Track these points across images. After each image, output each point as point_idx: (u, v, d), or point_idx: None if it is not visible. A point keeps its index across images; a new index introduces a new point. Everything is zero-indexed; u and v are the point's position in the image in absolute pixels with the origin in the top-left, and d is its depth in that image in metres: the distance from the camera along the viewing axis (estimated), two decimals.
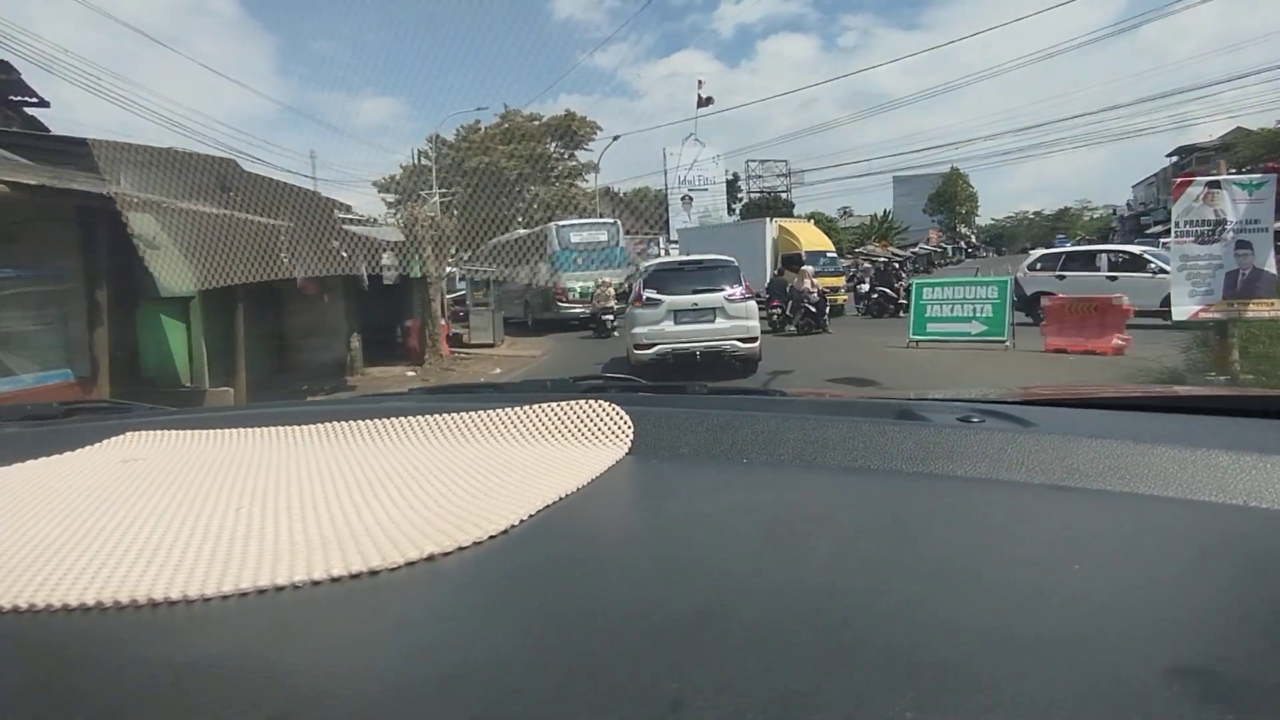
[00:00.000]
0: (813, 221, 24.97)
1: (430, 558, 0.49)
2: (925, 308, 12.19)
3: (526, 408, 0.90)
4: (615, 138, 37.92)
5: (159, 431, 0.98)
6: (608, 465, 0.73)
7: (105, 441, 0.94)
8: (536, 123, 36.43)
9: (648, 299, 9.44)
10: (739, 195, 47.83)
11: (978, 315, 11.59)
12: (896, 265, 24.39)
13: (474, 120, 36.90)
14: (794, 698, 0.32)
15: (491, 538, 0.53)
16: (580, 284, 18.28)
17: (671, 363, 9.23)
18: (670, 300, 9.31)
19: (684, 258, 11.85)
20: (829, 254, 22.98)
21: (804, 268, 16.93)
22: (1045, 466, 0.66)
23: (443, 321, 14.75)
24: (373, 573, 0.47)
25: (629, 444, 0.80)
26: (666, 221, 42.00)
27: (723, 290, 9.47)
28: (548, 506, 0.60)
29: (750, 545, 0.54)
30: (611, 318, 16.08)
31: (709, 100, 43.84)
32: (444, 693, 0.35)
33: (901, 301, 19.26)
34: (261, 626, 0.43)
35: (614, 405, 0.87)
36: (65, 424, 1.23)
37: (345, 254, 10.66)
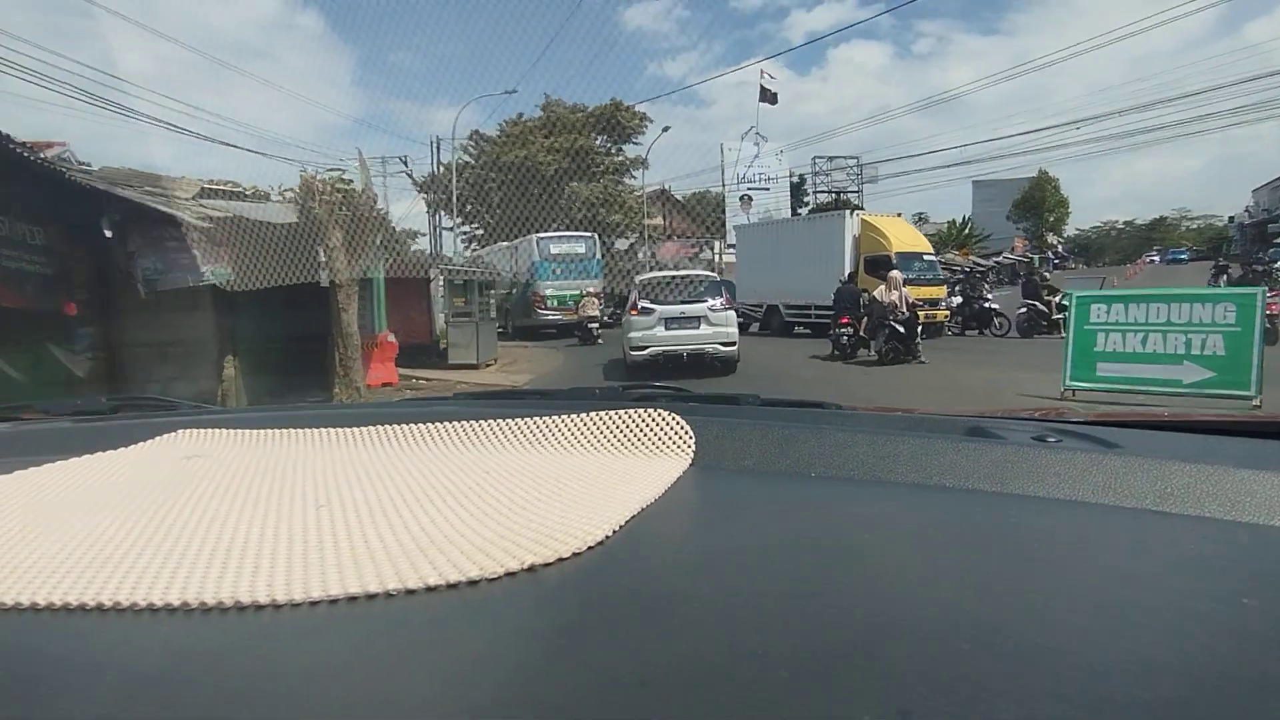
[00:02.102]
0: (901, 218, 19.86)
1: (531, 569, 0.47)
2: (1093, 336, 7.44)
3: (583, 415, 0.87)
4: (665, 129, 33.58)
5: (213, 430, 0.96)
6: (676, 476, 0.70)
7: (161, 438, 0.93)
8: (580, 114, 32.41)
9: (642, 308, 10.52)
10: (804, 199, 42.97)
11: (1197, 352, 6.79)
12: (980, 274, 19.62)
13: (517, 114, 33.31)
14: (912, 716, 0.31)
15: (590, 549, 0.50)
16: (557, 292, 18.97)
17: (662, 362, 10.25)
18: (661, 309, 10.40)
19: (673, 272, 12.41)
20: (926, 256, 17.84)
21: (892, 273, 12.24)
22: (1136, 490, 0.62)
23: (389, 337, 10.67)
24: (472, 583, 0.45)
25: (691, 455, 0.78)
26: (723, 224, 37.49)
27: (706, 301, 10.53)
28: (633, 518, 0.58)
29: (840, 569, 0.51)
30: (596, 326, 16.53)
31: (774, 96, 39.29)
32: (568, 710, 0.33)
33: (1056, 318, 15.11)
34: (354, 636, 0.40)
35: (673, 414, 0.84)
36: (115, 420, 1.21)
37: (198, 245, 6.66)
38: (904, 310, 11.59)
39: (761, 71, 38.92)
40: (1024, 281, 17.08)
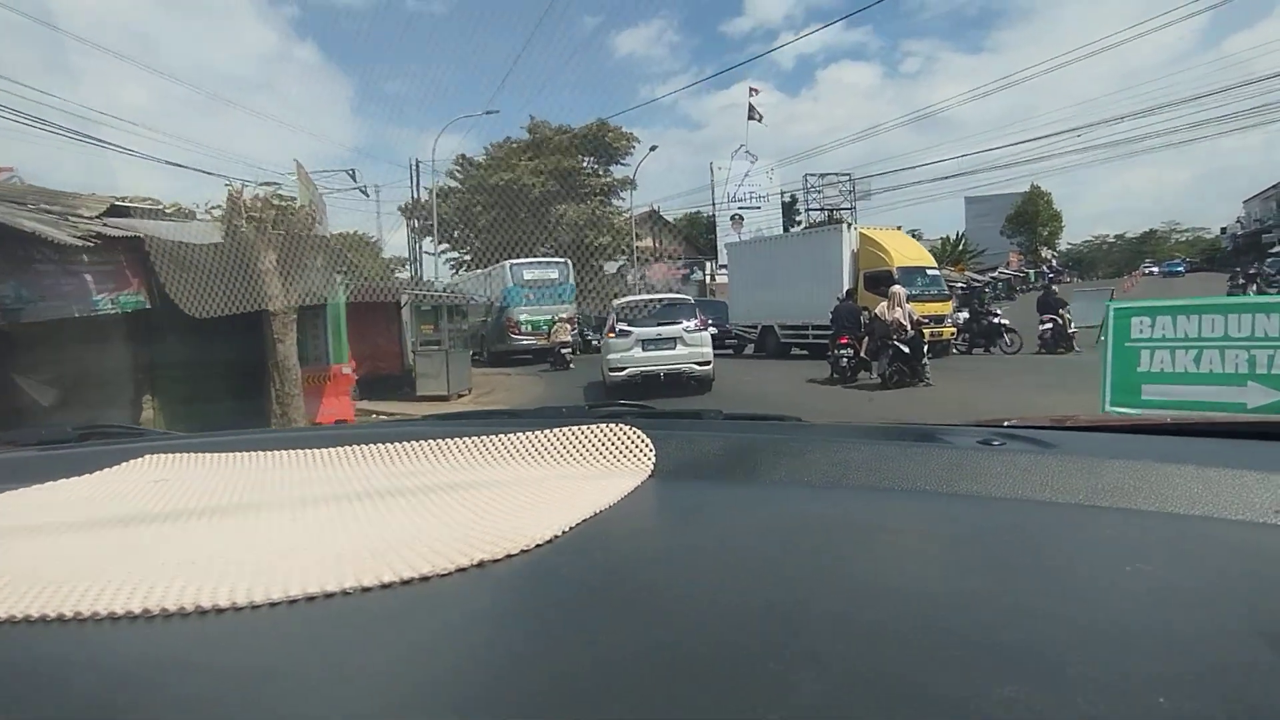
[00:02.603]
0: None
1: (481, 564, 0.49)
2: (1136, 355, 6.40)
3: (546, 432, 0.88)
4: (653, 148, 32.74)
5: (181, 454, 0.96)
6: (634, 486, 0.72)
7: (129, 463, 0.93)
8: (566, 135, 31.61)
9: (620, 330, 10.82)
10: (797, 218, 42.17)
11: (1264, 371, 5.75)
12: (986, 288, 18.68)
13: (504, 137, 32.51)
14: (888, 680, 0.33)
15: (538, 545, 0.52)
16: (530, 317, 19.12)
17: (640, 383, 10.48)
18: (639, 331, 10.73)
19: (649, 296, 13.33)
20: (930, 271, 16.77)
21: (894, 289, 11.19)
22: (1072, 486, 0.65)
23: (344, 369, 9.59)
24: (424, 579, 0.47)
25: (651, 466, 0.79)
26: (715, 245, 36.63)
27: (681, 323, 10.86)
28: (585, 520, 0.59)
29: (788, 563, 0.52)
30: (570, 351, 16.66)
31: (760, 115, 38.66)
32: (504, 694, 0.35)
33: (1071, 333, 14.75)
34: (314, 633, 0.42)
35: (634, 429, 0.86)
36: (81, 447, 1.20)
37: (91, 270, 5.59)
38: (908, 328, 10.56)
39: (750, 89, 38.35)
40: (1041, 296, 16.06)
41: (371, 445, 0.94)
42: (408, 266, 34.10)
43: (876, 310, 11.02)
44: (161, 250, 6.57)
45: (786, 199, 38.28)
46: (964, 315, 16.65)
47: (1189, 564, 0.51)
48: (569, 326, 17.51)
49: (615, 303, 12.43)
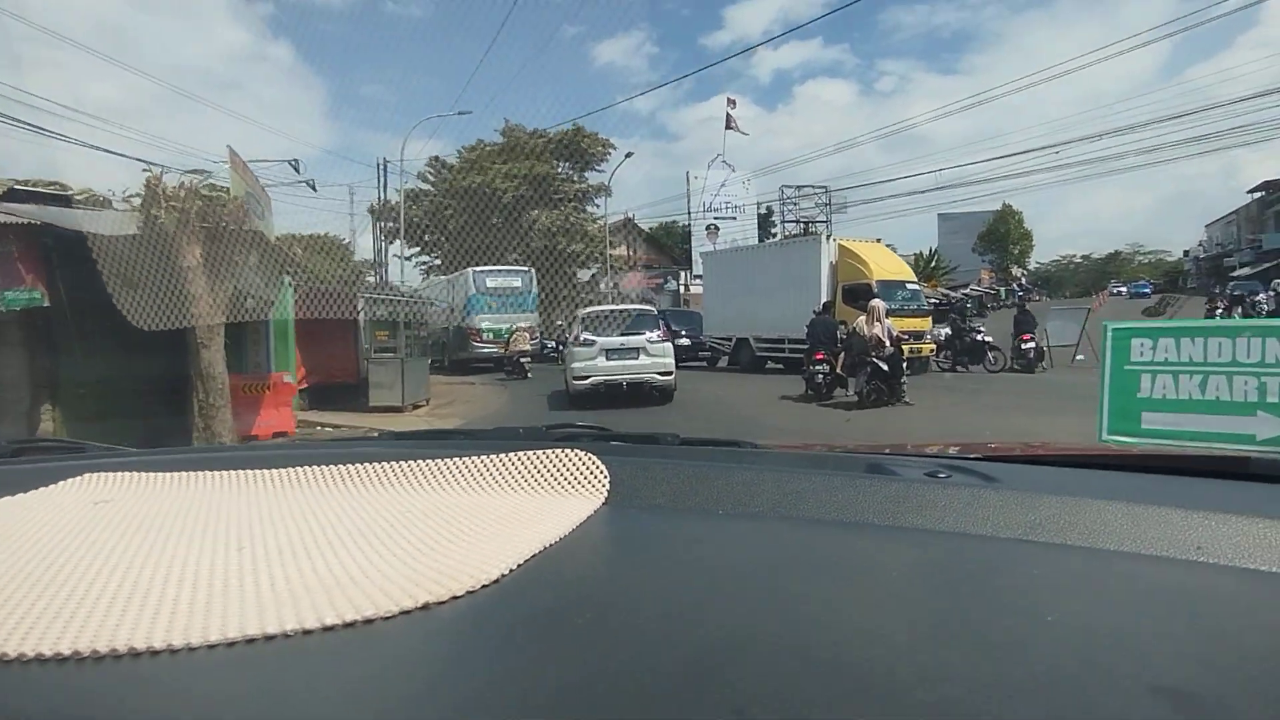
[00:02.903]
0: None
1: (425, 606, 0.48)
2: (1136, 379, 5.90)
3: (502, 455, 0.88)
4: (628, 154, 32.30)
5: (123, 474, 0.92)
6: (586, 515, 0.72)
7: (66, 482, 0.89)
8: (541, 139, 30.95)
9: (584, 340, 11.08)
10: (772, 230, 41.91)
11: (1275, 399, 5.27)
12: (967, 304, 18.34)
13: (478, 140, 31.74)
14: None
15: (484, 586, 0.52)
16: (492, 325, 19.07)
17: (604, 391, 10.78)
18: (603, 341, 11.00)
19: (613, 306, 12.76)
20: (910, 285, 16.32)
21: (874, 303, 10.65)
22: (1009, 522, 0.66)
23: (285, 378, 8.82)
24: (367, 621, 0.46)
25: (605, 493, 0.79)
26: (689, 255, 36.17)
27: (645, 334, 11.16)
28: (534, 556, 0.59)
29: (739, 596, 0.53)
30: (528, 360, 16.60)
31: (739, 125, 38.38)
32: None
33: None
34: (252, 678, 0.41)
35: (589, 455, 0.86)
36: (16, 463, 1.16)
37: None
38: (888, 345, 10.05)
39: (728, 100, 38.06)
40: (1018, 314, 15.67)
41: (323, 467, 0.91)
42: (374, 271, 33.28)
43: (855, 325, 10.50)
44: (64, 241, 5.80)
45: (762, 211, 38.02)
46: (945, 331, 16.21)
47: (1107, 604, 0.53)
48: (527, 336, 17.50)
49: (580, 312, 12.50)
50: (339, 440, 1.82)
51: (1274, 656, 0.44)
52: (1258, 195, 44.61)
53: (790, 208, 35.91)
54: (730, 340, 18.40)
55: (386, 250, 28.44)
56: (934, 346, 15.80)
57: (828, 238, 17.04)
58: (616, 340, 11.04)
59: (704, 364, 19.83)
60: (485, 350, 19.01)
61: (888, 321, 10.26)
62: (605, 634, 0.46)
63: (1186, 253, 58.91)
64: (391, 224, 32.68)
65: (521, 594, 0.53)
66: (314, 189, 11.60)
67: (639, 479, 0.83)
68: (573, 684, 0.38)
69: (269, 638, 0.43)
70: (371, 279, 30.96)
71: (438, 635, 0.47)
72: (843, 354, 11.59)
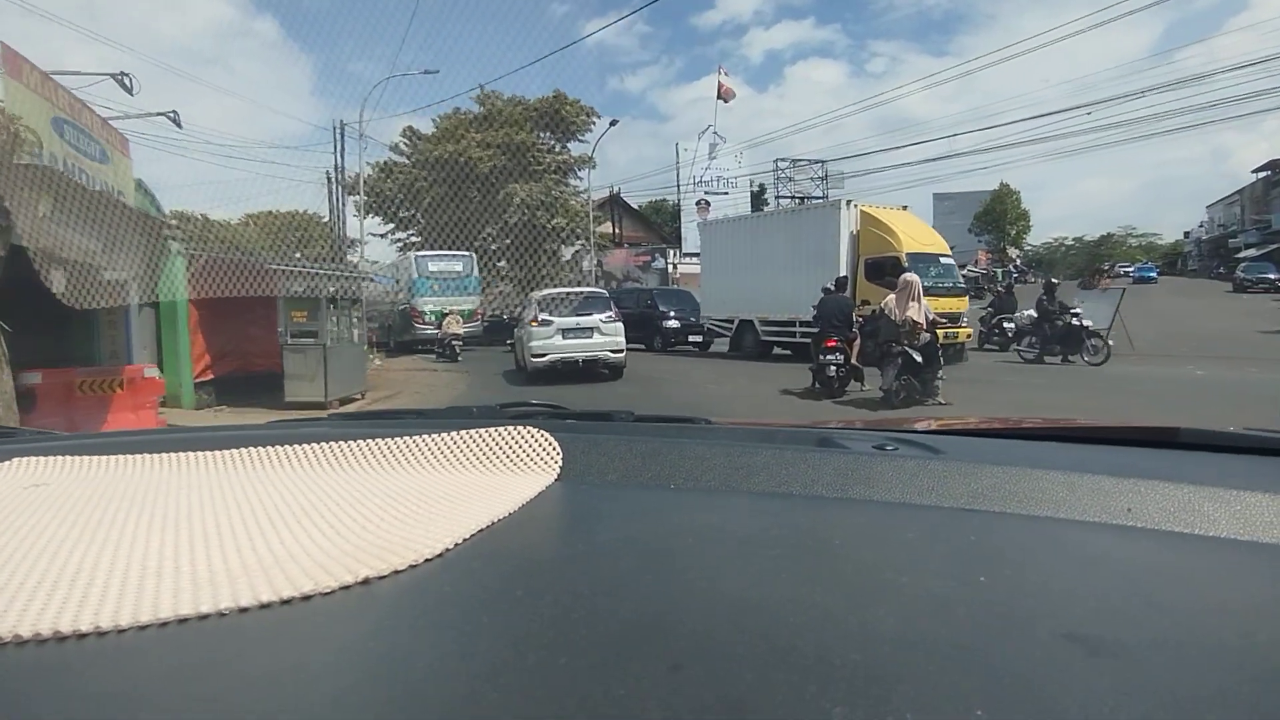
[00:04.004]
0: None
1: (365, 581, 0.47)
2: None
3: (452, 434, 0.86)
4: (613, 122, 29.99)
5: (58, 458, 0.88)
6: (537, 491, 0.71)
7: None
8: (520, 107, 28.48)
9: (542, 320, 11.57)
10: (765, 207, 39.64)
11: None
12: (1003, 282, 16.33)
13: (454, 109, 29.20)
14: (732, 702, 0.33)
15: (427, 560, 0.51)
16: (434, 308, 19.38)
17: (560, 368, 11.48)
18: (559, 321, 11.57)
19: (568, 289, 13.21)
20: (944, 259, 13.83)
21: (907, 277, 8.48)
22: (952, 491, 0.68)
23: (147, 372, 6.64)
24: (305, 598, 0.45)
25: (558, 470, 0.78)
26: (679, 233, 33.90)
27: (598, 315, 11.84)
28: (480, 531, 0.58)
29: (681, 566, 0.53)
30: (460, 343, 16.90)
31: (731, 93, 35.98)
32: (381, 714, 0.34)
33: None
34: (187, 658, 0.40)
35: (542, 432, 0.84)
36: None
37: None
38: (924, 331, 7.96)
39: (719, 68, 35.62)
40: (1043, 296, 13.52)
41: (266, 448, 0.87)
42: (360, 248, 31.14)
43: (883, 305, 8.39)
44: None
45: (755, 188, 35.68)
46: (1029, 314, 13.62)
47: (1036, 566, 0.54)
48: (459, 319, 17.85)
49: (536, 295, 12.81)
50: (284, 421, 1.22)
51: (1189, 609, 0.46)
52: (1263, 175, 42.71)
53: (785, 182, 33.60)
54: (732, 322, 16.09)
55: (362, 227, 26.25)
56: (970, 332, 13.58)
57: (848, 203, 14.18)
58: (572, 320, 11.58)
59: (693, 349, 17.69)
60: (428, 332, 19.22)
61: (925, 302, 8.15)
62: (546, 604, 0.45)
63: (1187, 234, 57.12)
64: (363, 198, 30.31)
65: (465, 568, 0.52)
66: (178, 124, 9.21)
67: (591, 455, 0.82)
68: (510, 653, 0.38)
69: (203, 617, 0.42)
70: (354, 258, 28.96)
71: (378, 610, 0.45)
72: (857, 341, 9.53)
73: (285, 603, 0.44)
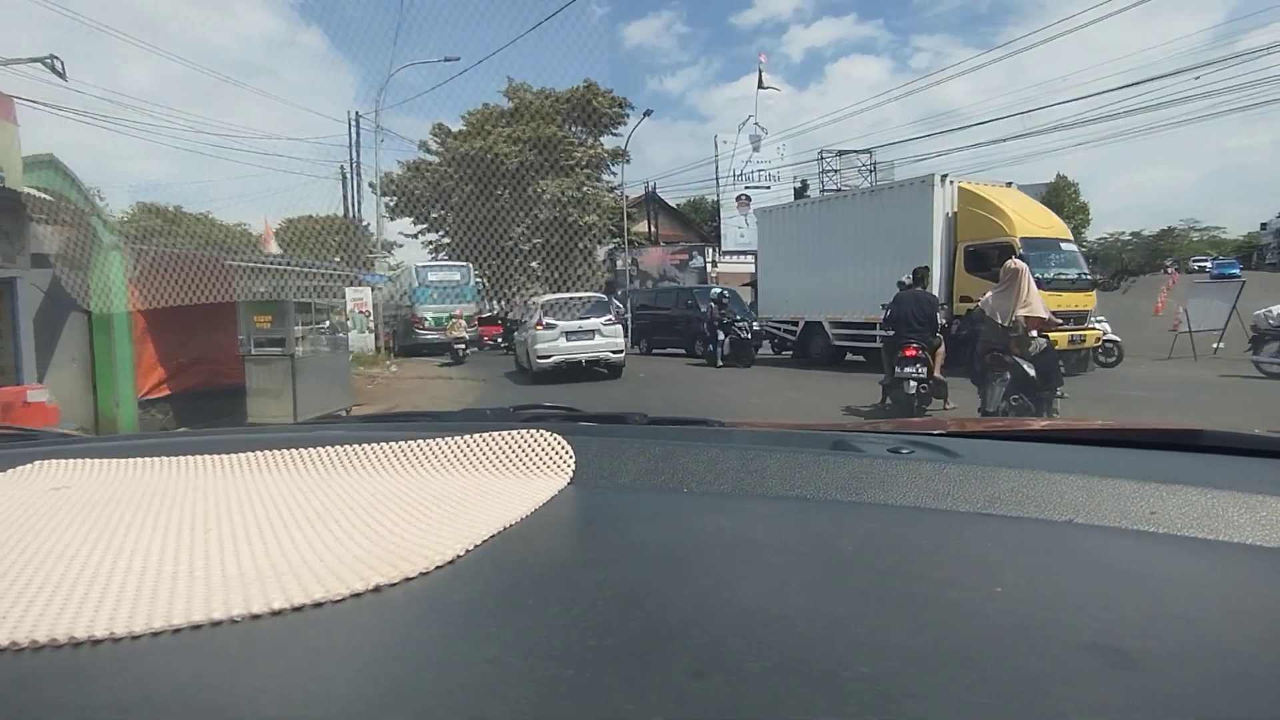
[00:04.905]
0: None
1: (376, 589, 0.47)
2: None
3: (466, 437, 0.85)
4: (647, 113, 28.09)
5: (80, 460, 0.87)
6: (550, 495, 0.70)
7: (18, 469, 0.84)
8: (549, 99, 26.84)
9: (547, 324, 12.07)
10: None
11: None
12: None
13: (483, 104, 27.72)
14: (741, 716, 0.33)
15: (438, 568, 0.50)
16: (433, 315, 20.45)
17: (565, 369, 11.96)
18: (563, 324, 12.09)
19: (571, 294, 13.44)
20: (1066, 246, 11.21)
21: (1013, 264, 6.44)
22: (968, 495, 0.67)
23: (30, 396, 5.09)
24: (316, 605, 0.44)
25: (571, 474, 0.77)
26: (718, 231, 31.92)
27: (600, 317, 12.44)
28: (493, 536, 0.58)
29: (693, 573, 0.52)
30: (464, 346, 17.48)
31: (772, 86, 33.86)
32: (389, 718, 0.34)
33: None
34: (196, 664, 0.39)
35: (555, 435, 0.83)
36: None
37: None
38: (1036, 337, 5.97)
39: (759, 55, 33.55)
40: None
41: (283, 451, 0.87)
42: (398, 252, 30.31)
43: (980, 303, 6.41)
44: None
45: (797, 184, 33.47)
46: (1276, 309, 10.40)
47: (1054, 573, 0.52)
48: (463, 323, 18.42)
49: (540, 299, 13.24)
50: (301, 424, 1.58)
51: (1215, 619, 0.45)
52: None
53: (830, 174, 31.34)
54: (796, 324, 13.93)
55: (379, 227, 25.12)
56: (1100, 334, 11.06)
57: (944, 179, 11.55)
58: (574, 324, 12.09)
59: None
60: (428, 337, 20.12)
61: (1038, 297, 6.16)
62: (556, 613, 0.44)
63: (1264, 225, 52.78)
64: (379, 193, 29.05)
65: (477, 574, 0.51)
66: (62, 75, 7.68)
67: (605, 458, 0.80)
68: (520, 663, 0.38)
69: (215, 624, 0.42)
70: (392, 259, 27.98)
71: (388, 617, 0.45)
72: (942, 347, 7.56)
73: (297, 609, 0.43)
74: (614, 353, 12.27)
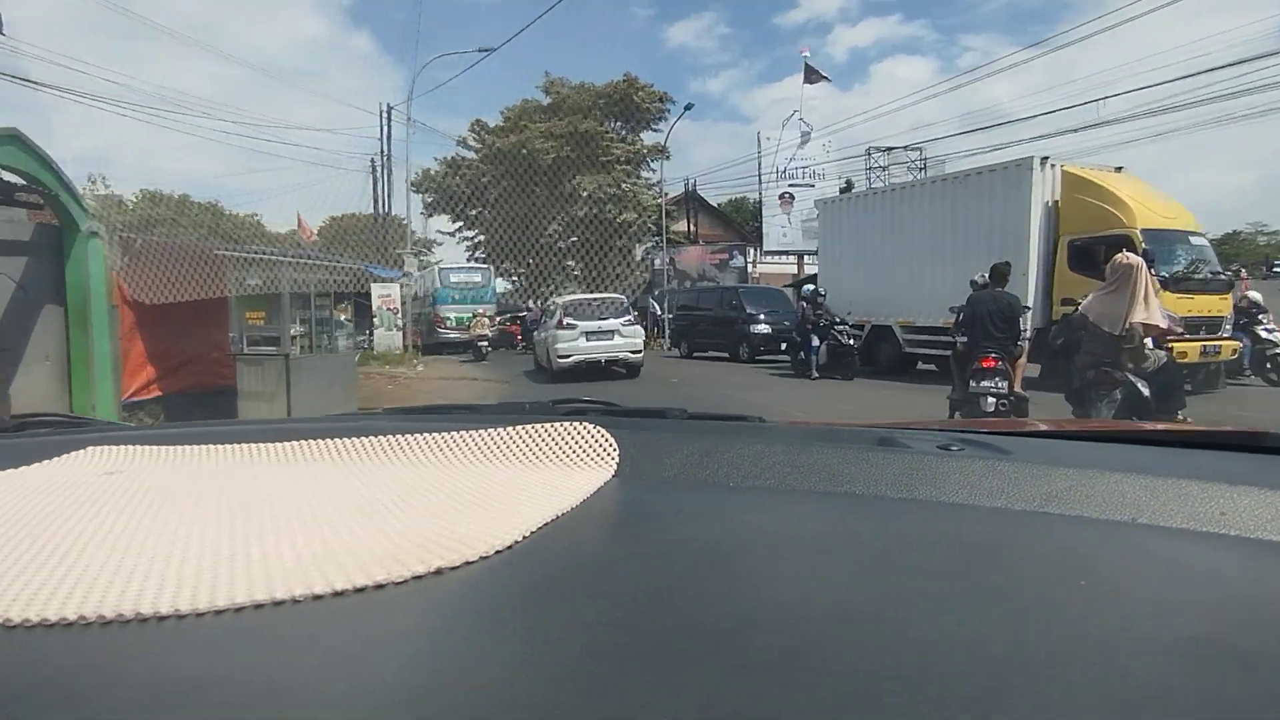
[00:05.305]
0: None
1: (438, 571, 0.47)
2: None
3: (509, 429, 0.84)
4: (688, 106, 27.01)
5: (130, 447, 0.89)
6: (596, 487, 0.70)
7: (71, 455, 0.85)
8: (587, 94, 26.00)
9: (567, 324, 12.21)
10: None
11: None
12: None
13: (521, 100, 27.05)
14: (785, 716, 0.32)
15: (498, 552, 0.51)
16: (455, 315, 21.02)
17: (585, 368, 12.04)
18: (583, 324, 12.27)
19: (590, 295, 14.10)
20: (1195, 240, 9.40)
21: (1124, 258, 5.26)
22: (1025, 493, 0.65)
23: None
24: (378, 586, 0.45)
25: (615, 466, 0.76)
26: (759, 231, 30.72)
27: (619, 318, 12.59)
28: (546, 525, 0.58)
29: (746, 569, 0.52)
30: (486, 344, 17.99)
31: (820, 76, 32.52)
32: (455, 703, 0.34)
33: None
34: (259, 642, 0.40)
35: (598, 428, 0.83)
36: (18, 438, 1.11)
37: None
38: (1157, 353, 4.83)
39: (803, 49, 32.28)
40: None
41: (326, 440, 0.87)
42: (437, 251, 30.04)
43: (1084, 307, 5.27)
44: None
45: (842, 184, 32.02)
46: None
47: (1132, 572, 0.51)
48: (486, 321, 18.90)
49: (561, 300, 13.50)
50: (341, 416, 1.26)
51: None
52: None
53: (878, 171, 29.87)
54: (862, 328, 12.14)
55: (425, 224, 24.93)
56: (1238, 346, 9.33)
57: (1044, 162, 9.80)
58: (594, 324, 12.21)
59: (788, 363, 13.85)
60: (450, 336, 20.70)
61: (1156, 300, 5.00)
62: (620, 598, 0.45)
63: None
64: (429, 195, 28.56)
65: (537, 560, 0.52)
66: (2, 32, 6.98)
67: (648, 452, 0.80)
68: (589, 645, 0.38)
69: (278, 603, 0.42)
70: (431, 258, 27.60)
71: (451, 599, 0.46)
72: (1024, 357, 6.43)
73: (359, 590, 0.43)
74: (633, 353, 12.46)
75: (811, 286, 12.64)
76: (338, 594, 0.43)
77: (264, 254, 7.40)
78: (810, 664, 0.35)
